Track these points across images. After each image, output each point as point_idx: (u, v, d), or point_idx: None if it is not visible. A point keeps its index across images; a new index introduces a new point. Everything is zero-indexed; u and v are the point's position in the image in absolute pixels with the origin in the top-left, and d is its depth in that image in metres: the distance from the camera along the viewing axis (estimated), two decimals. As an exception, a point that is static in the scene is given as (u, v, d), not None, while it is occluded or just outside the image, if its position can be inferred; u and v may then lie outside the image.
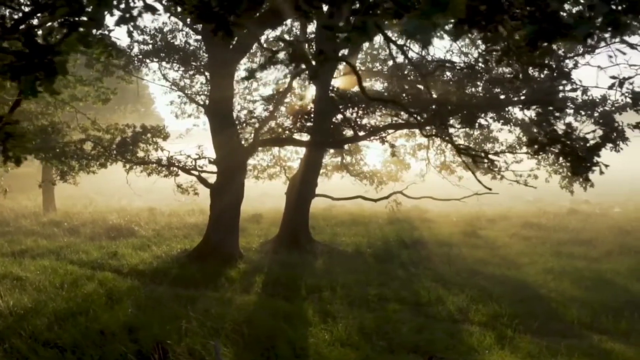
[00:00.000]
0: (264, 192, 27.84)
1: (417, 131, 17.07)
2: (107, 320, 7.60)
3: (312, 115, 11.54)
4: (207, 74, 13.96)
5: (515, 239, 16.90)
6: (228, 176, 12.83)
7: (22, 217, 19.01)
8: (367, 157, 21.26)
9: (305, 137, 14.50)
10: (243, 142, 13.74)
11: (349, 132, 12.55)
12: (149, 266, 12.12)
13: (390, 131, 12.28)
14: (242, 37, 11.23)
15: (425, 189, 20.18)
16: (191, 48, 14.28)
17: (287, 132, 12.42)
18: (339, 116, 12.99)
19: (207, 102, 13.66)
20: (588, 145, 3.73)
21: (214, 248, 12.74)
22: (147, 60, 14.60)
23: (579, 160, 3.66)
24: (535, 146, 3.77)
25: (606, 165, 5.18)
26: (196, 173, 13.32)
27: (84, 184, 39.76)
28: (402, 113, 12.00)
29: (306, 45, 15.54)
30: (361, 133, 11.79)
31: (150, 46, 14.21)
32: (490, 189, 16.55)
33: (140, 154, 13.82)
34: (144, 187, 21.60)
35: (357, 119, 11.78)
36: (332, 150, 21.08)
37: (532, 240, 16.41)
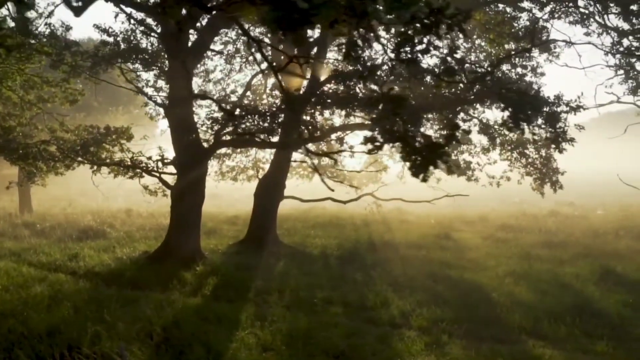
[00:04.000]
0: (251, 194, 27.68)
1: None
2: (36, 323, 7.49)
3: (269, 117, 11.44)
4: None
5: (488, 242, 16.72)
6: (188, 177, 12.76)
7: (-5, 218, 19.01)
8: (345, 159, 21.19)
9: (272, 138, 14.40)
10: (205, 143, 13.66)
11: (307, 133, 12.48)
12: (106, 268, 12.04)
13: (347, 132, 12.20)
14: (196, 39, 11.15)
15: (407, 191, 20.07)
16: (155, 50, 14.23)
17: (248, 133, 12.32)
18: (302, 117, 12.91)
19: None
20: (429, 144, 3.59)
21: (174, 250, 12.65)
22: (114, 62, 14.57)
23: (422, 161, 3.53)
24: (370, 145, 3.64)
25: (457, 166, 5.01)
26: (157, 174, 13.23)
27: (70, 185, 39.65)
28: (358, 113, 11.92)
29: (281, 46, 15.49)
30: (317, 134, 11.70)
31: (116, 47, 14.17)
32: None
33: (103, 154, 13.76)
34: (129, 188, 21.55)
35: (312, 120, 11.69)
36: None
37: (504, 243, 16.22)
